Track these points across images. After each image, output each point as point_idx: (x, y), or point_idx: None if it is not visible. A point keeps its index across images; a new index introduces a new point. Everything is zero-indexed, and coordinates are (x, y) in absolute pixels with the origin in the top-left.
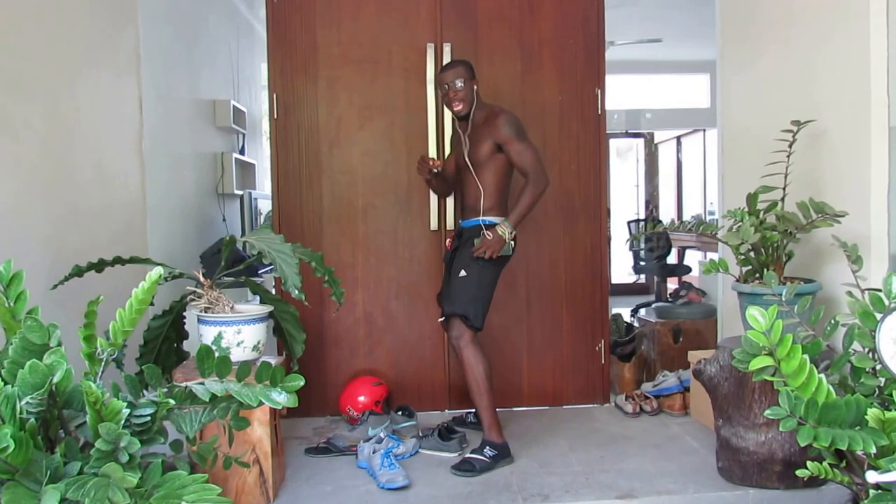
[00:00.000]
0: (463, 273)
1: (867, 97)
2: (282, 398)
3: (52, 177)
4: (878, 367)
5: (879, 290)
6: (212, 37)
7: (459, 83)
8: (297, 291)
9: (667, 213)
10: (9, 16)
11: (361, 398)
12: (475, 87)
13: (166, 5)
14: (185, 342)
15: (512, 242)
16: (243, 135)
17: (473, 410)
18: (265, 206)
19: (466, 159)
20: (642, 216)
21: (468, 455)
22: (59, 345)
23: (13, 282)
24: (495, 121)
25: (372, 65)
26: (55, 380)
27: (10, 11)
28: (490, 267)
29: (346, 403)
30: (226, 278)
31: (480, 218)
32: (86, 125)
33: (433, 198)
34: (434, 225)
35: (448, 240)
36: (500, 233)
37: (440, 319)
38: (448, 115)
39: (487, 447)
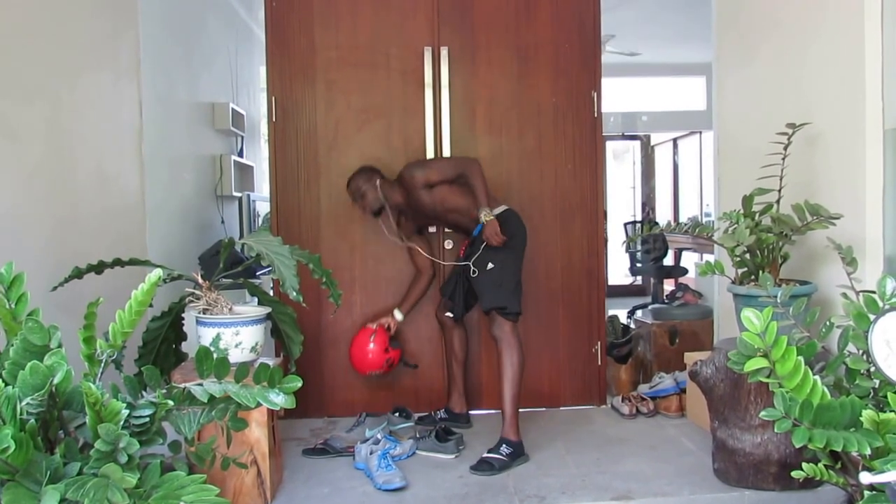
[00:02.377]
0: (490, 265)
1: (862, 100)
2: (279, 399)
3: (53, 179)
4: (873, 368)
5: (874, 292)
6: (211, 40)
7: (360, 197)
8: (294, 293)
9: (663, 215)
10: (10, 19)
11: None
12: (376, 183)
13: (166, 9)
14: (183, 343)
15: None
16: (242, 137)
17: (443, 409)
18: (263, 208)
19: (431, 215)
20: (639, 218)
21: (485, 455)
22: (60, 346)
23: (14, 284)
24: (409, 183)
25: (370, 68)
26: (55, 381)
27: (10, 15)
28: (510, 254)
29: (363, 365)
30: (224, 280)
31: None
32: (86, 128)
33: None
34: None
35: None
36: (486, 219)
37: (448, 314)
38: (447, 117)
39: (504, 445)
